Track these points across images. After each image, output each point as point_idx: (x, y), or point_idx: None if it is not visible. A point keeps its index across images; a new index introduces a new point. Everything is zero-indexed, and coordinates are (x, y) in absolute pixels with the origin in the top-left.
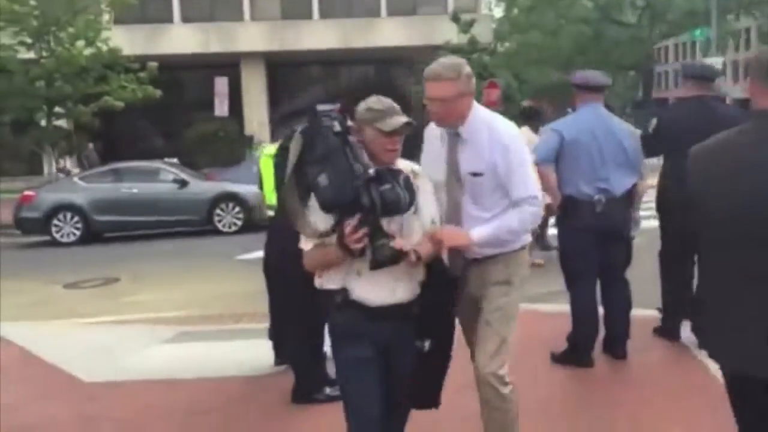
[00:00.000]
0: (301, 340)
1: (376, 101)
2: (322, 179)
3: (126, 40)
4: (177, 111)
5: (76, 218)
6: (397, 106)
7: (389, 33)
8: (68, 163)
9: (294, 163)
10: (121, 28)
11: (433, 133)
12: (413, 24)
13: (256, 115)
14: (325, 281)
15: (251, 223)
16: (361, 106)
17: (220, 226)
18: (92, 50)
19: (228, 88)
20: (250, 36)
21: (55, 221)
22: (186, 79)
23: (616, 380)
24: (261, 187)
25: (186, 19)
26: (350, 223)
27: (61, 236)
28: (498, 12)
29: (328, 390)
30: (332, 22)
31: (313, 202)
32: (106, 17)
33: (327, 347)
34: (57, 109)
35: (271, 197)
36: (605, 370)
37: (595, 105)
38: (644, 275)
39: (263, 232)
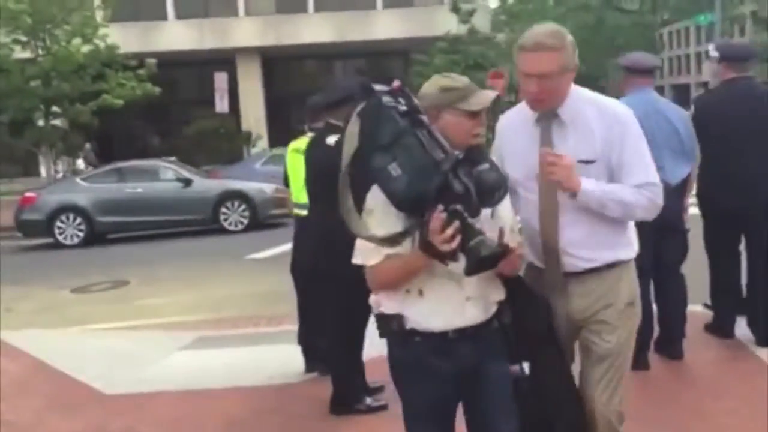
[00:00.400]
0: (339, 346)
1: (449, 79)
2: (394, 169)
3: (120, 38)
4: (173, 109)
5: (79, 220)
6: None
7: (385, 25)
8: (78, 163)
9: (351, 154)
10: (115, 26)
11: (513, 121)
12: (410, 15)
13: (253, 111)
14: (383, 300)
15: (257, 221)
16: (430, 89)
17: (226, 224)
18: (90, 47)
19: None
20: (245, 31)
21: (58, 223)
22: (181, 76)
23: (677, 381)
24: (287, 184)
25: (180, 15)
26: (438, 217)
27: (64, 238)
28: (493, 2)
29: (368, 400)
30: (328, 15)
31: (372, 201)
32: (100, 14)
33: (366, 353)
34: (54, 108)
35: (299, 195)
36: (663, 371)
37: (645, 89)
38: (691, 267)
39: (270, 230)
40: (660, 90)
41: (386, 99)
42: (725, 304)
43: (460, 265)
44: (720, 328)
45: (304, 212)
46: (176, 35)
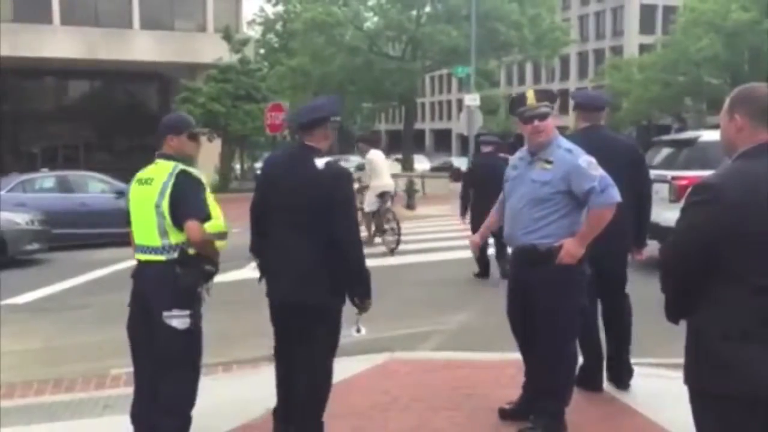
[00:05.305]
0: None
1: None
2: None
3: None
4: None
5: None
6: None
7: (142, 46)
8: None
9: None
10: None
11: None
12: (169, 39)
13: None
14: None
15: (6, 259)
16: None
17: None
18: None
19: None
20: None
21: None
22: None
23: None
24: (129, 223)
25: None
26: None
27: None
28: (252, 34)
29: None
30: (76, 29)
31: None
32: None
33: None
34: None
35: (146, 236)
36: None
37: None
38: None
39: (23, 268)
40: (421, 135)
41: None
42: (589, 353)
43: None
44: (588, 379)
45: (159, 257)
46: None
